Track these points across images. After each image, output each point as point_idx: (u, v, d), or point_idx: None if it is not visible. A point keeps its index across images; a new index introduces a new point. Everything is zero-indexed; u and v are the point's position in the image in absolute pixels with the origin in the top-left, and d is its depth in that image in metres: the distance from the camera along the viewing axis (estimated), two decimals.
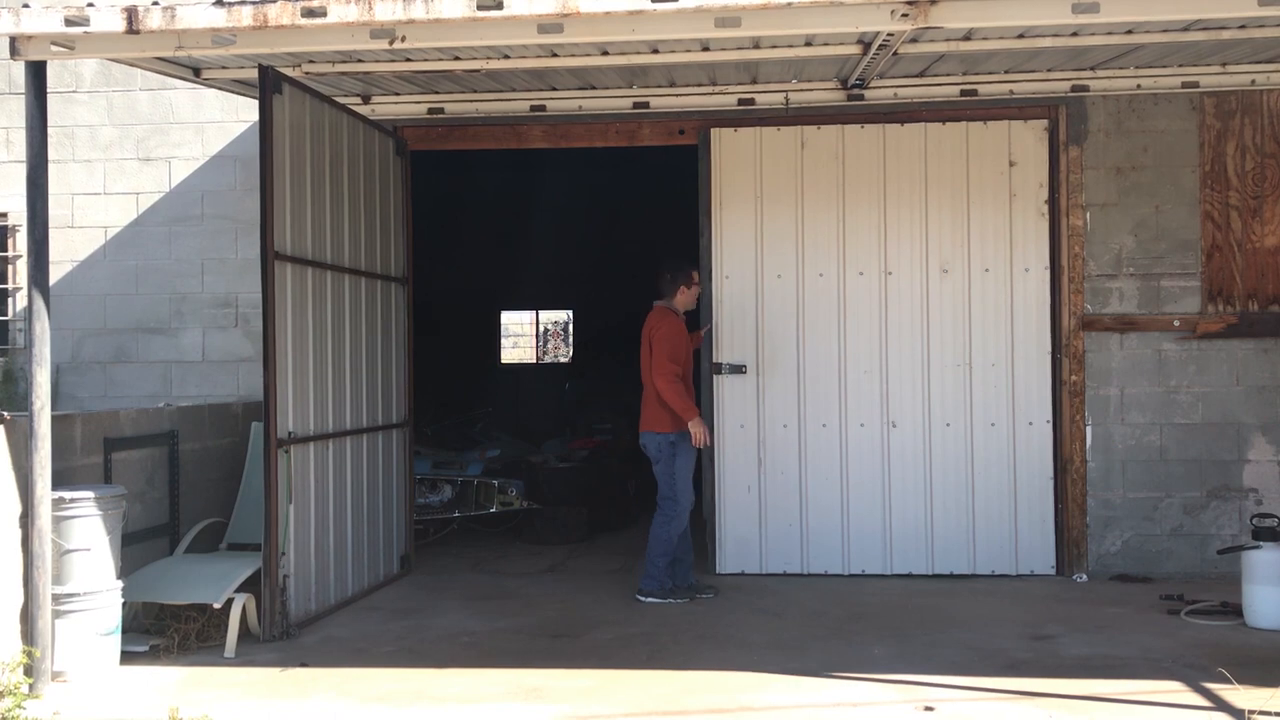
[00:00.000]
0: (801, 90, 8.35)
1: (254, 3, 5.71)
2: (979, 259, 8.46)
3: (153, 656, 6.47)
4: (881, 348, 8.50)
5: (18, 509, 5.98)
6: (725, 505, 8.56)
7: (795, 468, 8.53)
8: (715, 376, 8.54)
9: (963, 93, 8.20)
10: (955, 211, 8.47)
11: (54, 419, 6.15)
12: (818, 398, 8.53)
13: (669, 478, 7.71)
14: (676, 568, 7.78)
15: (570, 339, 22.97)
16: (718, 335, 8.56)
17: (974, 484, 8.42)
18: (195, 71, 7.61)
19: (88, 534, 6.17)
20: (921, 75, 8.02)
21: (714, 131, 8.56)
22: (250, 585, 6.76)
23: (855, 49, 7.00)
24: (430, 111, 8.65)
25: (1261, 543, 6.99)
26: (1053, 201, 8.41)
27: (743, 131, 8.57)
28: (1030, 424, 8.39)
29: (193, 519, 7.50)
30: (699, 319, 8.55)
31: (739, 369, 8.52)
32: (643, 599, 7.68)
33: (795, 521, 8.51)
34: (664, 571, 7.69)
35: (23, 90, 6.16)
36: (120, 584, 6.32)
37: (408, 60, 7.37)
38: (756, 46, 6.99)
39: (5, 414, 5.99)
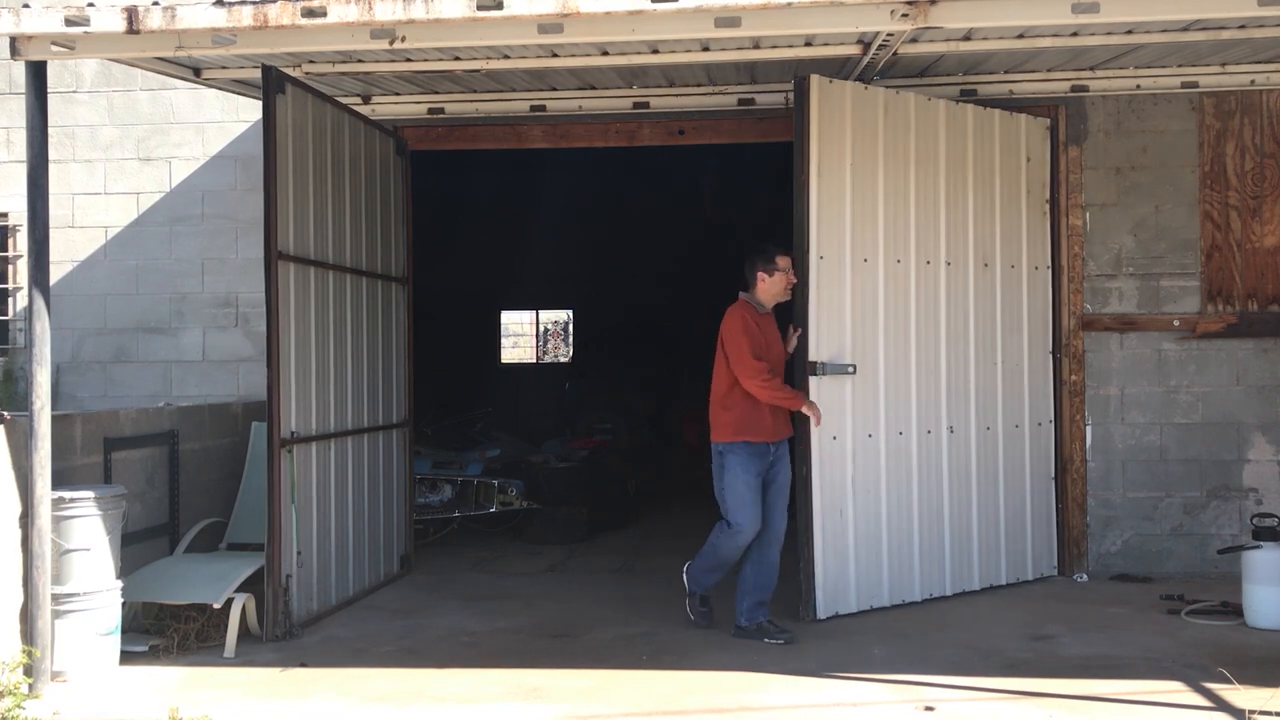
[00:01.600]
0: None
1: (254, 3, 5.71)
2: (1002, 254, 8.06)
3: (152, 656, 6.47)
4: (936, 345, 7.75)
5: (18, 509, 5.99)
6: (821, 535, 7.14)
7: (880, 483, 7.44)
8: (811, 379, 7.10)
9: (962, 93, 8.19)
10: (981, 203, 7.97)
11: (54, 419, 6.14)
12: (896, 401, 7.56)
13: (720, 493, 6.84)
14: (748, 603, 6.84)
15: (570, 339, 22.97)
16: (815, 329, 7.14)
17: (1003, 487, 8.01)
18: (195, 71, 7.61)
19: (87, 534, 6.17)
20: (921, 75, 8.01)
21: (812, 80, 7.11)
22: (250, 585, 6.76)
23: (855, 49, 7.00)
24: (430, 111, 8.65)
25: (1261, 543, 7.00)
26: (1053, 201, 8.41)
27: (837, 84, 7.32)
28: (1040, 425, 8.31)
29: (193, 519, 7.50)
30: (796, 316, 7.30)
31: (844, 369, 7.23)
32: (737, 639, 6.76)
33: (881, 546, 7.42)
34: (705, 576, 6.98)
35: (23, 90, 6.17)
36: (120, 584, 6.32)
37: (408, 60, 7.37)
38: (756, 46, 6.98)
39: (5, 414, 6.00)
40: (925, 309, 7.70)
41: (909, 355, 7.63)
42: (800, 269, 7.07)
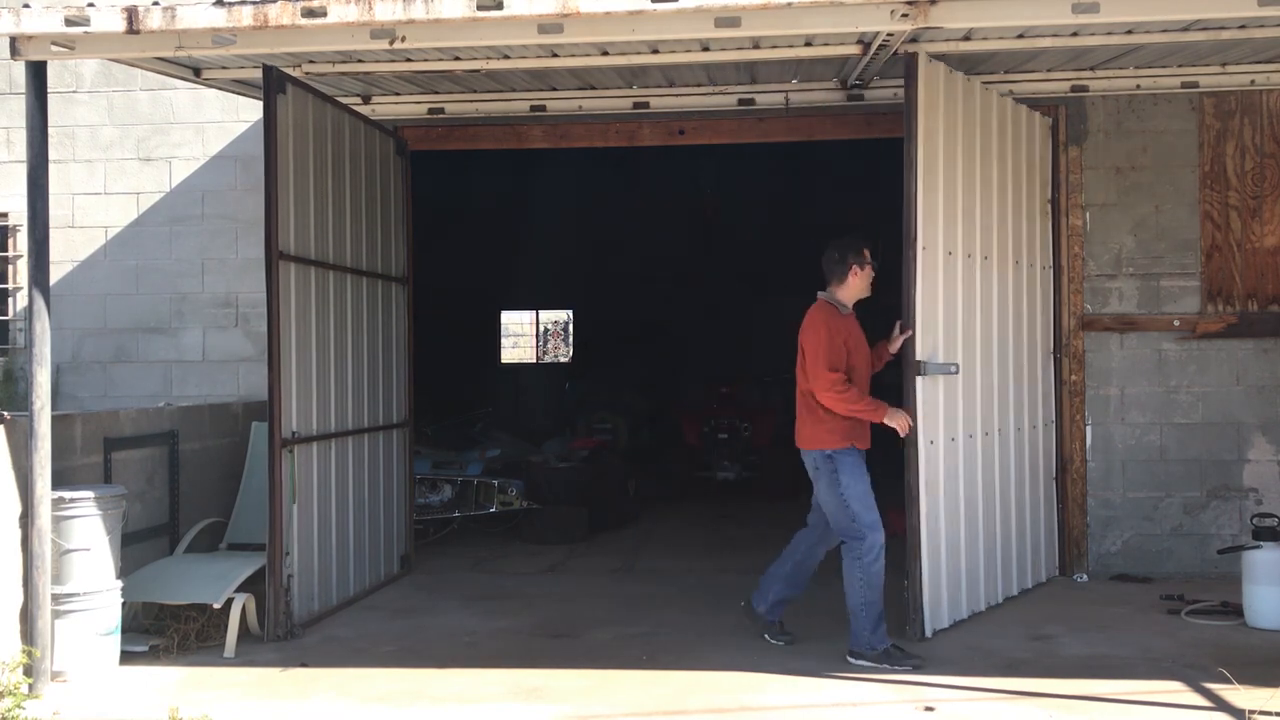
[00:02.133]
0: (801, 91, 8.34)
1: (254, 3, 5.71)
2: (1013, 252, 7.85)
3: (152, 656, 6.47)
4: (989, 343, 7.49)
5: (18, 509, 5.99)
6: (927, 549, 6.73)
7: (961, 487, 7.13)
8: (917, 379, 6.67)
9: None
10: (1005, 200, 7.72)
11: (54, 419, 6.14)
12: (984, 402, 7.34)
13: (839, 503, 6.25)
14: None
15: (570, 339, 22.98)
16: (918, 325, 6.68)
17: (1027, 489, 7.89)
18: (195, 71, 7.61)
19: (87, 534, 6.17)
20: None
21: (920, 58, 6.71)
22: (250, 585, 6.76)
23: (855, 49, 7.00)
24: (430, 111, 8.65)
25: (1262, 543, 7.00)
26: (1054, 201, 8.40)
27: (935, 65, 6.95)
28: (1045, 425, 8.24)
29: (193, 519, 7.50)
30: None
31: (947, 368, 6.86)
32: (852, 660, 6.23)
33: (961, 557, 7.09)
34: (873, 626, 6.20)
35: (23, 90, 6.17)
36: (120, 584, 6.32)
37: (408, 60, 7.37)
38: (756, 46, 6.98)
39: (5, 414, 6.00)
40: (985, 306, 7.44)
41: (990, 354, 7.45)
42: (905, 261, 6.65)
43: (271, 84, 6.85)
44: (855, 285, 6.49)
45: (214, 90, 8.43)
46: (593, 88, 8.32)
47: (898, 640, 6.37)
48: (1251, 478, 8.29)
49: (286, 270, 6.98)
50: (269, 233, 6.84)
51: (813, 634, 6.79)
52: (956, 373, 6.94)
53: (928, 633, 6.64)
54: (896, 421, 6.36)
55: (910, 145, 6.69)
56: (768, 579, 6.69)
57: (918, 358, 6.66)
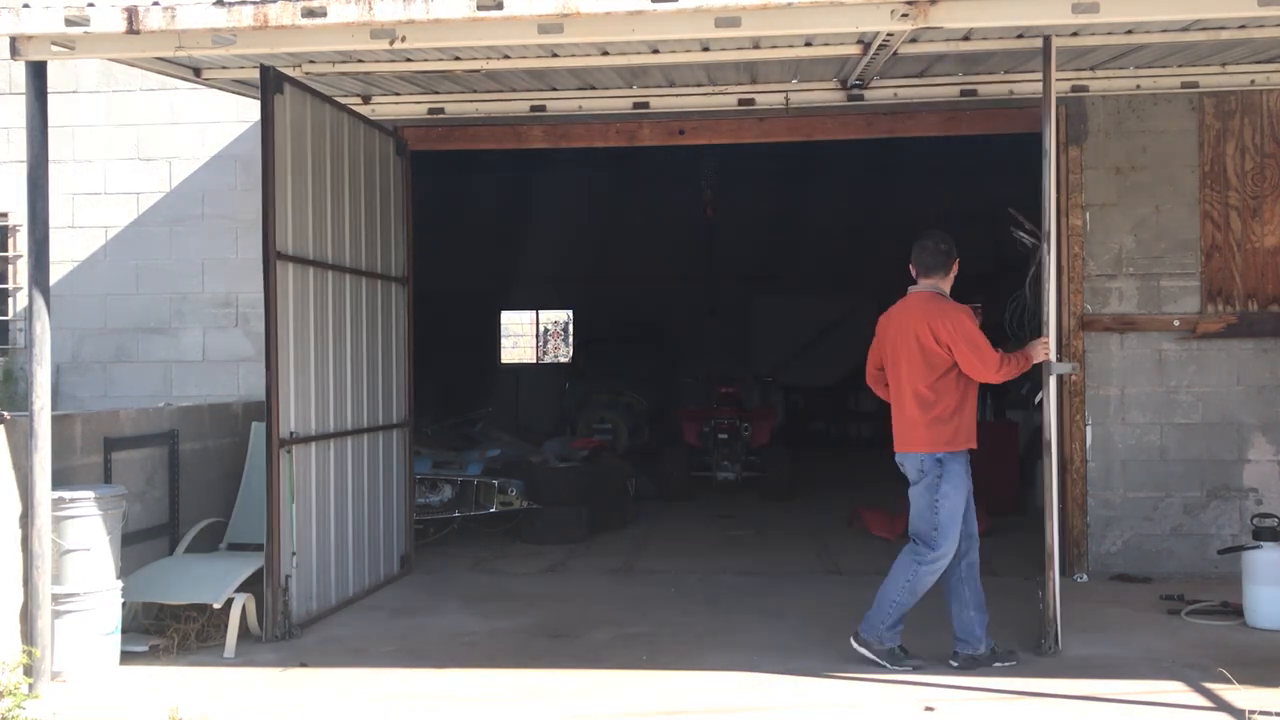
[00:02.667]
0: (801, 90, 8.34)
1: (254, 3, 5.71)
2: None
3: (152, 656, 6.47)
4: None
5: (18, 509, 5.98)
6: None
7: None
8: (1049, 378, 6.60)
9: (963, 93, 8.20)
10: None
11: (54, 419, 6.14)
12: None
13: (929, 508, 6.08)
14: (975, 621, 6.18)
15: (570, 339, 22.98)
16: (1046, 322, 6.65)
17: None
18: (195, 71, 7.61)
19: (87, 534, 6.16)
20: (921, 75, 8.02)
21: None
22: (250, 585, 6.76)
23: (855, 49, 7.00)
24: (430, 111, 8.65)
25: (1262, 543, 6.99)
26: (1056, 201, 8.38)
27: None
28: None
29: (193, 519, 7.50)
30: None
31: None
32: (855, 646, 6.17)
33: None
34: (892, 624, 6.13)
35: (23, 90, 6.16)
36: (120, 584, 6.32)
37: (408, 60, 7.37)
38: (756, 47, 6.99)
39: (5, 414, 6.00)
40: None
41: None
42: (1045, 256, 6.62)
43: (269, 84, 6.85)
44: (953, 276, 6.36)
45: (214, 90, 8.42)
46: (593, 88, 8.31)
47: (1016, 651, 6.24)
48: (1251, 478, 8.29)
49: (284, 270, 6.98)
50: (266, 233, 6.84)
51: (812, 634, 6.80)
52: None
53: (1060, 646, 6.36)
54: (1039, 353, 6.27)
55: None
56: (963, 623, 6.19)
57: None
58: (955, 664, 6.12)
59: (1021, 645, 6.40)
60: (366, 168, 8.19)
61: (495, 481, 10.16)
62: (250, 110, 8.72)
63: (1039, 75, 7.93)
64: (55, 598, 6.03)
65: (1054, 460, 6.53)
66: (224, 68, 7.53)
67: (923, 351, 6.09)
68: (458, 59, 7.37)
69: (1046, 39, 6.46)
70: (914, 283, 6.34)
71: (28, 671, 5.70)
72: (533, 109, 8.57)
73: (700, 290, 18.85)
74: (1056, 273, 8.33)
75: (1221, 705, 5.42)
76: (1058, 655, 6.33)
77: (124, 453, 6.98)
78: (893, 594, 6.11)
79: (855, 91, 8.21)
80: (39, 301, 6.06)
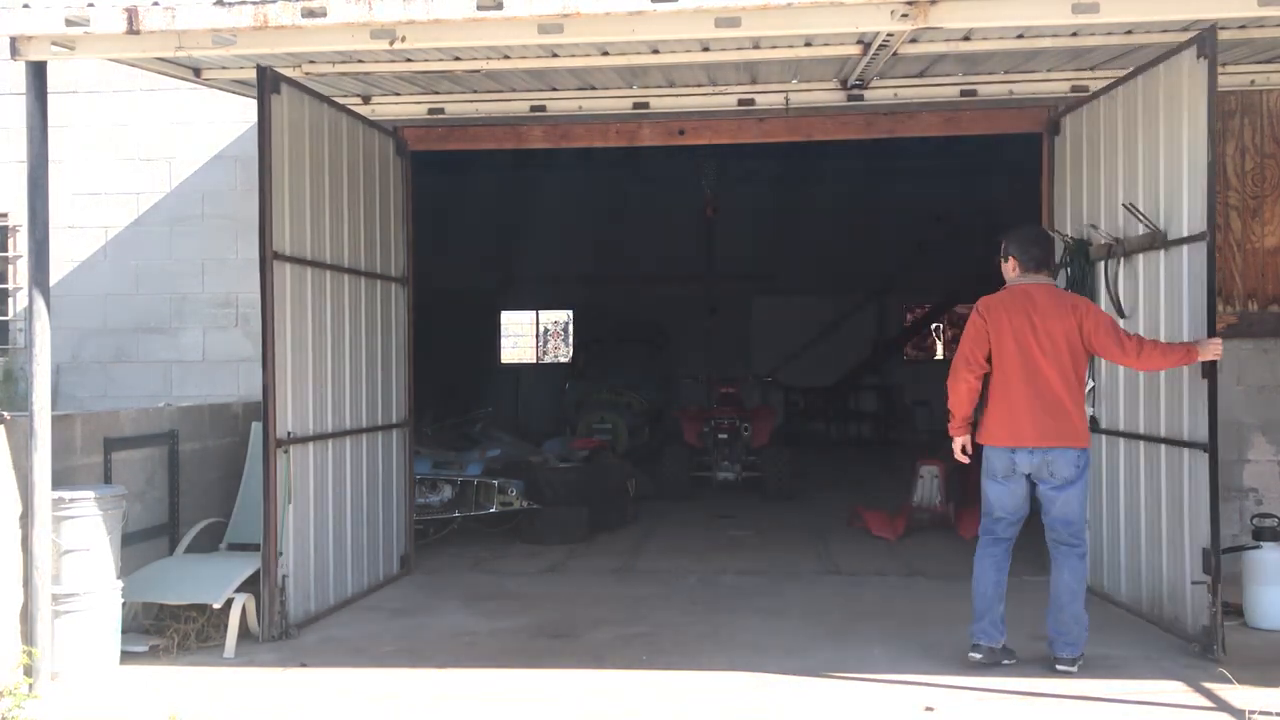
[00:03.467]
0: (801, 91, 8.34)
1: (254, 3, 5.71)
2: None
3: (152, 656, 6.47)
4: None
5: (18, 509, 5.98)
6: None
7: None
8: None
9: (963, 93, 8.19)
10: None
11: (54, 419, 6.14)
12: None
13: (1082, 502, 6.08)
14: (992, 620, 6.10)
15: (570, 339, 22.99)
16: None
17: None
18: (195, 72, 7.62)
19: (87, 534, 6.16)
20: (921, 75, 8.02)
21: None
22: (250, 585, 6.75)
23: (855, 49, 7.00)
24: (430, 112, 8.65)
25: (1262, 543, 6.99)
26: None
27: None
28: None
29: (193, 519, 7.50)
30: None
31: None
32: (1063, 668, 5.98)
33: None
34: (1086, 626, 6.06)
35: (23, 90, 6.17)
36: (120, 584, 6.32)
37: (408, 60, 7.37)
38: (756, 47, 6.99)
39: (5, 414, 5.99)
40: None
41: None
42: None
43: (266, 84, 6.85)
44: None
45: (214, 90, 8.42)
46: (593, 88, 8.31)
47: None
48: (1251, 478, 8.28)
49: (282, 271, 6.97)
50: (263, 233, 6.83)
51: (813, 634, 6.80)
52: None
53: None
54: (1210, 351, 6.04)
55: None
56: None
57: None
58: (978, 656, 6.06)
59: (1020, 645, 6.39)
60: (366, 168, 8.19)
61: (495, 481, 10.16)
62: (251, 110, 8.66)
63: (1039, 75, 8.03)
64: (55, 598, 6.02)
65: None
66: (224, 68, 7.53)
67: (1069, 343, 5.98)
68: (458, 59, 7.37)
69: (1211, 28, 6.17)
70: (1018, 276, 6.16)
71: (27, 671, 5.71)
72: (533, 109, 8.57)
73: (700, 290, 18.86)
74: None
75: (1221, 705, 5.42)
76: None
77: (124, 453, 6.98)
78: (1078, 605, 6.00)
79: (855, 92, 8.21)
80: (39, 301, 6.06)
